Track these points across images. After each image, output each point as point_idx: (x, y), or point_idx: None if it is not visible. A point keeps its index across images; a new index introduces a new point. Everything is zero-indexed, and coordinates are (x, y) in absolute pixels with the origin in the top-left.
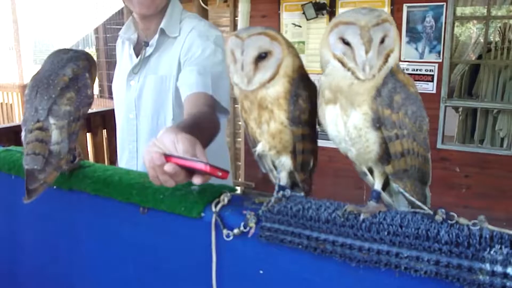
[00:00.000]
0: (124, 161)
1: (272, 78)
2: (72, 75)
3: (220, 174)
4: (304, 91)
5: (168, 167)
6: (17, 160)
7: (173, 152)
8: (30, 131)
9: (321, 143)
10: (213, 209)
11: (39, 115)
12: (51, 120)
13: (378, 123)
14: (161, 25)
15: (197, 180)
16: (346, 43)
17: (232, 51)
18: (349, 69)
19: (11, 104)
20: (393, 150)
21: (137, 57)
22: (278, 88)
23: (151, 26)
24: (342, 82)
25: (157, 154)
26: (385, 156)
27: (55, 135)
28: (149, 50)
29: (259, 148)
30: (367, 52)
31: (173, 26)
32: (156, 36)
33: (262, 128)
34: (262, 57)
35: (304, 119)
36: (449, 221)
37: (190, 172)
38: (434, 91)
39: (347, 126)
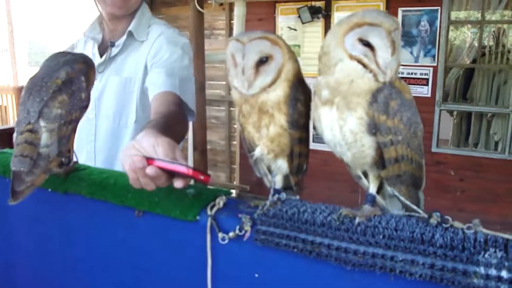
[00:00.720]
0: (82, 161)
1: (273, 83)
2: (66, 78)
3: (202, 177)
4: (302, 95)
5: (150, 170)
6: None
7: (153, 155)
8: (21, 133)
9: (316, 146)
10: (209, 213)
11: (30, 117)
12: (42, 123)
13: (374, 128)
14: (130, 28)
15: (178, 184)
16: (366, 44)
17: (233, 55)
18: (371, 71)
19: (5, 106)
20: (387, 156)
21: (100, 57)
22: (279, 92)
23: (118, 28)
24: (345, 79)
25: (139, 157)
26: (380, 161)
27: (44, 137)
28: (114, 50)
29: (257, 152)
30: (392, 55)
31: (142, 30)
32: (124, 37)
33: (261, 132)
34: (263, 61)
35: (302, 123)
36: (444, 225)
37: (171, 175)
38: (429, 95)
39: (343, 131)
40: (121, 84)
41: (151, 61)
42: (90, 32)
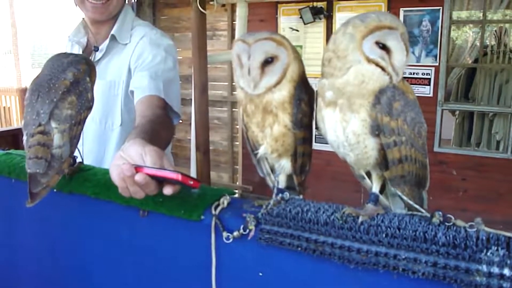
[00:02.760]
0: None
1: (278, 83)
2: (73, 79)
3: (191, 183)
4: (306, 95)
5: (139, 177)
6: (17, 164)
7: (141, 164)
8: (32, 135)
9: (319, 146)
10: (213, 212)
11: (40, 119)
12: (53, 124)
13: (377, 130)
14: (112, 32)
15: (167, 190)
16: (382, 47)
17: (238, 55)
18: (388, 74)
19: (9, 108)
20: (391, 157)
21: None
22: (284, 93)
23: (102, 31)
24: (355, 81)
25: (127, 165)
26: (383, 162)
27: (57, 139)
28: (98, 55)
29: (261, 151)
30: (406, 56)
31: (124, 33)
32: (107, 41)
33: (264, 132)
34: (268, 61)
35: (305, 123)
36: (446, 223)
37: (159, 182)
38: (431, 95)
39: (346, 132)
40: (105, 87)
41: (134, 64)
42: (74, 36)
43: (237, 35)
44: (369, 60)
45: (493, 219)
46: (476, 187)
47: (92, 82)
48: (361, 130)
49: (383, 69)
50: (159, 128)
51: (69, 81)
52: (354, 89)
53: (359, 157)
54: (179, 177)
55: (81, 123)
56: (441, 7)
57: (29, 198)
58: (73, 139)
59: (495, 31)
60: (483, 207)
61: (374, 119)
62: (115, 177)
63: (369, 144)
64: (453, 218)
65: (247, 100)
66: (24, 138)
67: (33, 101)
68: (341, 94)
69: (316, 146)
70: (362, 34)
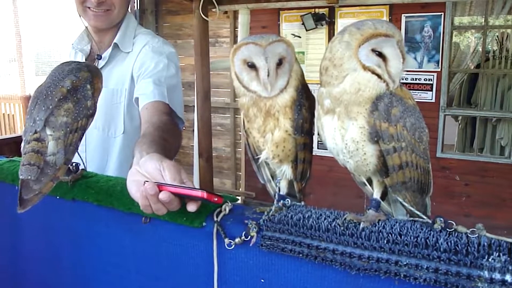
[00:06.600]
0: None
1: (287, 83)
2: (71, 87)
3: (216, 199)
4: (306, 101)
5: (163, 196)
6: None
7: (159, 180)
8: (28, 142)
9: (321, 152)
10: (215, 219)
11: (36, 126)
12: (48, 131)
13: (376, 136)
14: (115, 40)
15: (191, 207)
16: (379, 54)
17: (246, 59)
18: (384, 81)
19: (13, 115)
20: (391, 163)
21: None
22: (287, 96)
23: (104, 39)
24: (351, 89)
25: (150, 184)
26: (383, 169)
27: (51, 146)
28: (101, 63)
29: (263, 156)
30: (402, 63)
31: (127, 41)
32: (109, 49)
33: (266, 137)
34: (278, 63)
35: (306, 128)
36: (448, 229)
37: (181, 198)
38: (433, 100)
39: (345, 139)
40: (108, 95)
41: (137, 72)
42: (78, 44)
43: (240, 40)
44: (365, 68)
45: (496, 225)
46: (479, 192)
47: (96, 89)
48: (360, 137)
49: (379, 76)
50: (168, 136)
51: (66, 89)
52: (350, 97)
53: (359, 164)
54: (204, 195)
55: (78, 130)
56: (442, 13)
57: (19, 204)
58: (69, 147)
59: (497, 36)
60: (486, 212)
61: (372, 126)
62: (135, 194)
63: (368, 151)
64: (454, 224)
65: (250, 103)
66: (22, 145)
67: (32, 108)
68: (339, 103)
69: (318, 152)
70: (358, 42)
